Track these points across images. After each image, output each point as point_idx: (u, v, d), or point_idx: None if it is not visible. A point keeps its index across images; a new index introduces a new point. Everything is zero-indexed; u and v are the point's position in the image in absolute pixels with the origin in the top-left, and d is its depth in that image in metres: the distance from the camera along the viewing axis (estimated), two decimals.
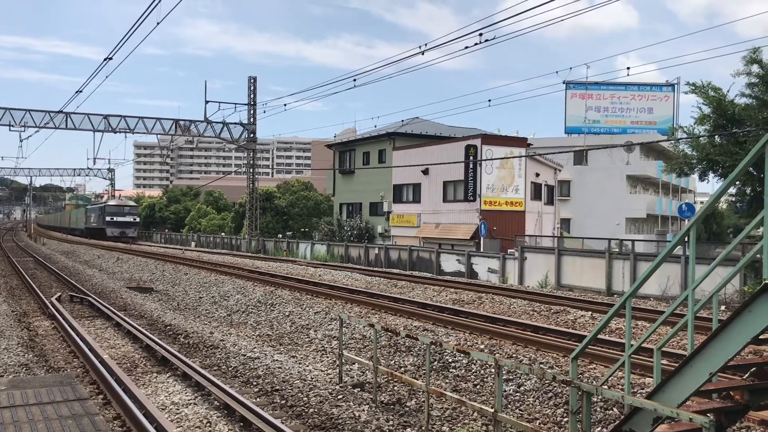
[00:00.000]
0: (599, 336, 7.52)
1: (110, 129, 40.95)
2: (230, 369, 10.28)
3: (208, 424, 7.38)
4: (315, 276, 21.51)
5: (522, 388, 8.40)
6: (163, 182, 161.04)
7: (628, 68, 25.22)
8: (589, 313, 13.48)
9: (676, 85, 54.91)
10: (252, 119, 44.05)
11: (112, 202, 64.10)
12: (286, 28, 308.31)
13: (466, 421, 7.57)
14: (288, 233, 49.86)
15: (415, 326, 12.61)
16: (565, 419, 7.32)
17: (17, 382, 7.95)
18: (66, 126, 40.03)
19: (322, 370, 9.98)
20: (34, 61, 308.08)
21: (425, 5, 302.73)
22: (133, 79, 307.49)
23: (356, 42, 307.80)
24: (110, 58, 21.30)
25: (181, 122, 42.65)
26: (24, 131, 40.94)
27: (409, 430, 7.34)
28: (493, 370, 8.69)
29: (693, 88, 19.41)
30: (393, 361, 10.21)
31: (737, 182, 18.24)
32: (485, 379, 9.00)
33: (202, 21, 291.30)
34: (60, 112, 39.33)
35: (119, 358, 10.80)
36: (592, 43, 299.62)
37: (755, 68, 18.54)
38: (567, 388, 7.37)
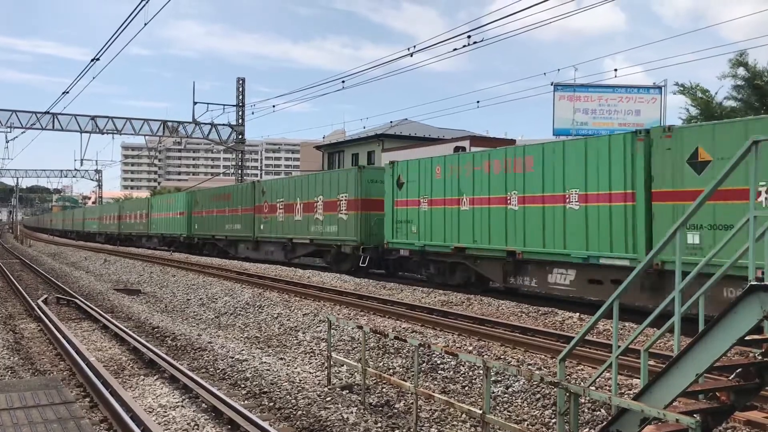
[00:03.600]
0: (587, 337, 7.55)
1: (97, 130, 40.71)
2: (218, 371, 10.23)
3: (196, 427, 7.34)
4: (303, 278, 21.46)
5: (510, 390, 8.42)
6: (151, 183, 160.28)
7: (616, 70, 25.46)
8: (577, 314, 13.52)
9: (663, 88, 55.29)
10: (240, 120, 43.91)
11: None
12: (272, 29, 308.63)
13: (455, 422, 7.58)
14: None
15: (403, 328, 12.60)
16: (553, 420, 7.34)
17: (2, 385, 7.87)
18: (53, 127, 39.76)
19: (310, 373, 9.96)
20: (17, 62, 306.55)
21: (411, 6, 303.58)
22: (118, 80, 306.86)
23: (343, 43, 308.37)
24: (97, 59, 21.21)
25: (169, 123, 42.47)
26: (10, 132, 40.73)
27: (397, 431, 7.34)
28: (481, 372, 8.70)
29: (682, 88, 19.58)
30: (381, 363, 10.20)
31: None
32: (474, 381, 9.01)
33: (188, 22, 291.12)
34: (47, 113, 39.06)
35: (106, 361, 10.72)
36: (579, 45, 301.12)
37: (741, 71, 18.72)
38: (555, 389, 7.38)
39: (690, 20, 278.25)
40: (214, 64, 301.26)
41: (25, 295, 18.93)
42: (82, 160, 50.86)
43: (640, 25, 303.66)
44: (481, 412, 6.40)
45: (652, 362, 7.92)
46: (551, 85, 37.12)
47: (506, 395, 8.31)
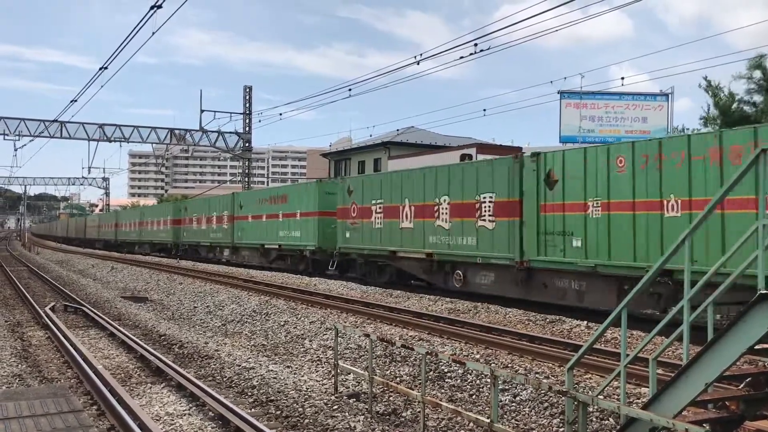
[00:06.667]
0: (595, 346, 7.51)
1: (105, 138, 40.93)
2: (225, 379, 10.24)
3: None
4: (310, 285, 21.45)
5: (518, 399, 8.38)
6: (158, 191, 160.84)
7: (623, 78, 25.48)
8: (585, 322, 13.46)
9: (670, 95, 55.20)
10: (247, 128, 44.07)
11: None
12: (276, 37, 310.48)
13: (462, 431, 7.55)
14: None
15: (410, 336, 12.58)
16: (562, 429, 7.31)
17: (10, 393, 7.90)
18: (61, 135, 40.01)
19: (317, 381, 9.95)
20: (23, 70, 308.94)
21: (416, 14, 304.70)
22: (125, 88, 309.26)
23: (348, 51, 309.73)
24: (105, 68, 21.34)
25: (177, 131, 42.67)
26: (18, 140, 40.94)
27: None
28: (489, 381, 8.68)
29: (708, 84, 19.66)
30: (389, 371, 10.18)
31: None
32: (481, 390, 8.98)
33: (193, 30, 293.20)
34: (55, 121, 39.31)
35: (113, 369, 10.74)
36: (585, 53, 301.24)
37: (757, 74, 18.65)
38: (563, 398, 7.36)
39: (695, 28, 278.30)
40: (218, 71, 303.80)
41: (33, 302, 19.00)
42: (89, 167, 50.97)
43: (645, 32, 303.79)
44: (488, 420, 6.38)
45: (660, 371, 7.88)
46: (558, 92, 37.03)
47: (514, 404, 8.28)
